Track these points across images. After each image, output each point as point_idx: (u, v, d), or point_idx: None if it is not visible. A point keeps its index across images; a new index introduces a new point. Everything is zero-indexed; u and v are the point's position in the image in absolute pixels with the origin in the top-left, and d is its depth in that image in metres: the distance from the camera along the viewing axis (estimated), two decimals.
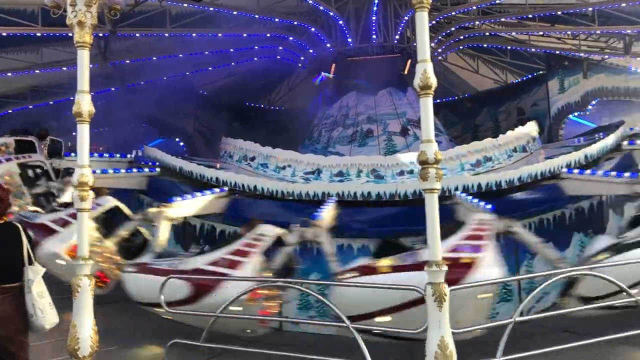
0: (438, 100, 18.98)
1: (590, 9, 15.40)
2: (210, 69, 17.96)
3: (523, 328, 6.46)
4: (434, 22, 16.18)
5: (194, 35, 15.44)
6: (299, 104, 21.30)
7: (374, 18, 15.54)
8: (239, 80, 20.00)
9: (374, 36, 15.71)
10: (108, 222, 8.74)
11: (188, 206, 9.91)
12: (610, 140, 11.68)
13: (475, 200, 9.23)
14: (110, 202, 9.02)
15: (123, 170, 12.10)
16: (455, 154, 11.98)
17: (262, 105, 21.80)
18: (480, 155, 12.11)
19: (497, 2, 16.11)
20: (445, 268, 4.70)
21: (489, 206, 8.71)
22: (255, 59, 18.28)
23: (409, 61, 15.59)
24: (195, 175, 11.76)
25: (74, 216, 7.72)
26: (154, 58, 15.86)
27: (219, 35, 15.65)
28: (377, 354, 5.42)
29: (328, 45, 16.42)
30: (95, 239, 7.95)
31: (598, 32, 16.62)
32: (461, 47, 19.46)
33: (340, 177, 11.83)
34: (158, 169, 12.34)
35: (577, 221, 10.57)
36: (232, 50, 17.00)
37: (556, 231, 10.49)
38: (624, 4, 14.67)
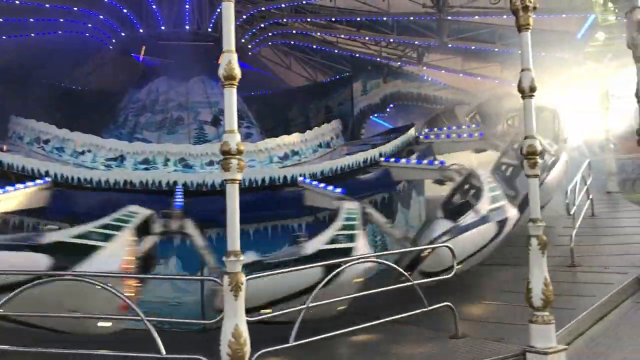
0: (252, 93, 19.19)
1: (387, 18, 16.75)
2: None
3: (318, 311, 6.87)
4: (247, 14, 16.32)
5: None
6: (105, 85, 20.00)
7: (187, 5, 15.17)
8: (37, 55, 18.04)
9: (187, 22, 15.34)
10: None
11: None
12: (401, 140, 12.86)
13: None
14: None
15: None
16: (265, 147, 12.22)
17: (65, 85, 19.96)
18: (288, 149, 12.52)
19: (308, 2, 16.75)
20: (242, 258, 4.78)
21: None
22: (60, 32, 16.71)
23: None
24: None
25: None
26: None
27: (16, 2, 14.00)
28: (171, 345, 5.33)
29: (139, 26, 15.65)
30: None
31: (396, 40, 18.17)
32: (275, 43, 19.91)
33: (145, 165, 11.34)
34: None
35: None
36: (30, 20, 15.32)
37: None
38: (417, 17, 16.27)
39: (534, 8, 5.88)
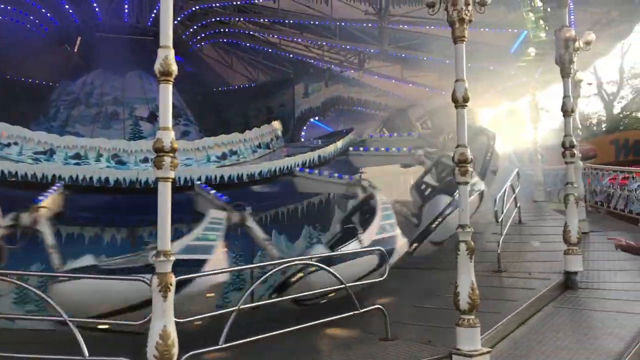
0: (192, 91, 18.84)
1: (330, 23, 16.87)
2: None
3: (251, 315, 6.84)
4: (189, 11, 16.06)
5: None
6: (37, 76, 19.14)
7: None
8: None
9: (127, 15, 14.92)
10: None
11: None
12: (340, 143, 12.96)
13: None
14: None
15: None
16: (202, 145, 12.01)
17: None
18: (227, 149, 12.35)
19: (251, 2, 16.64)
20: (173, 258, 4.68)
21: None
22: None
23: None
24: None
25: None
26: None
27: None
28: (98, 348, 5.17)
29: (74, 16, 15.10)
30: None
31: (338, 45, 18.35)
32: (217, 41, 19.66)
33: (77, 160, 10.91)
34: None
35: (308, 215, 11.59)
36: None
37: (289, 224, 11.40)
38: (359, 24, 16.47)
39: (470, 21, 6.06)
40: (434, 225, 9.37)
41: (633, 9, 13.28)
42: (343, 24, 16.59)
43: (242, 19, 18.25)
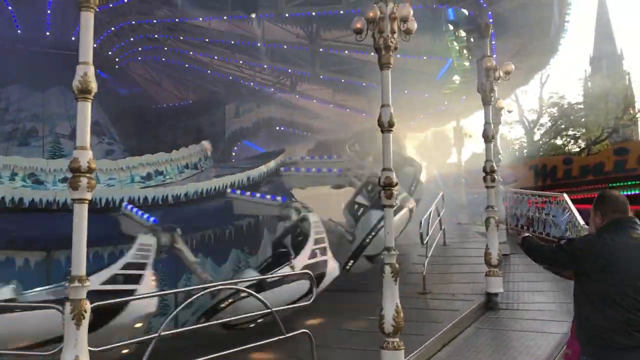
0: (118, 109, 18.27)
1: (262, 44, 16.89)
2: None
3: (175, 342, 6.58)
4: (117, 27, 15.65)
5: None
6: None
7: (48, 10, 14.19)
8: None
9: (48, 28, 14.33)
10: None
11: None
12: (271, 165, 12.92)
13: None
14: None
15: None
16: (126, 165, 11.62)
17: None
18: (152, 169, 12.00)
19: (181, 20, 16.41)
20: (88, 284, 4.44)
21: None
22: None
23: None
24: None
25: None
26: None
27: None
28: None
29: None
30: None
31: (270, 67, 18.37)
32: (146, 59, 19.24)
33: None
34: None
35: (236, 238, 11.42)
36: None
37: (217, 246, 11.17)
38: (290, 47, 16.59)
39: (395, 48, 6.19)
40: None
41: (549, 42, 14.10)
42: (275, 46, 16.64)
43: (172, 37, 17.92)
